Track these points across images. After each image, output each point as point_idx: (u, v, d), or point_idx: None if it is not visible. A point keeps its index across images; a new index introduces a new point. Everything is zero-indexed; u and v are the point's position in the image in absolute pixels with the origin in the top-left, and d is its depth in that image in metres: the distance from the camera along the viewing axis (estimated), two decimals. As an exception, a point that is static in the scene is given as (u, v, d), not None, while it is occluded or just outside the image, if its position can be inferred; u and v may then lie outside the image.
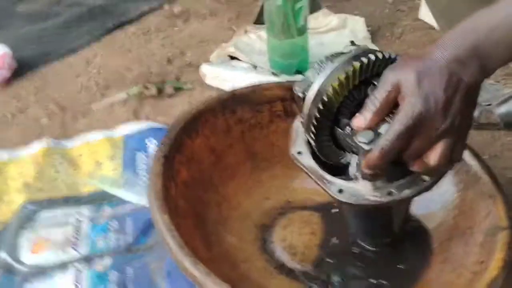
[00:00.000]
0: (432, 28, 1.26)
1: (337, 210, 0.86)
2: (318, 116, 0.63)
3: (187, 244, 0.71)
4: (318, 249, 0.84)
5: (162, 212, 0.73)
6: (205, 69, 1.22)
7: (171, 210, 0.75)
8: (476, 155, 0.81)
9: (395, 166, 0.62)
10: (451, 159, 0.60)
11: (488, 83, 0.99)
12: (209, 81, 1.21)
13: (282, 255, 0.83)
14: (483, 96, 0.92)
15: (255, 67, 1.21)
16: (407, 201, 0.70)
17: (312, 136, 0.65)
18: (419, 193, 0.63)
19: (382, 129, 0.59)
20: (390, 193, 0.62)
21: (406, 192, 0.62)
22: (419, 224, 0.82)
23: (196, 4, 1.46)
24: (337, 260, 0.82)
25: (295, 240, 0.85)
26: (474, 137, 0.96)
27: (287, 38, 1.13)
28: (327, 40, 1.25)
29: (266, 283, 0.79)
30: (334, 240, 0.84)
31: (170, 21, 1.41)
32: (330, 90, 0.61)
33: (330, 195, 0.65)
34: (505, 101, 0.96)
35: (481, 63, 0.58)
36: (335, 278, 0.80)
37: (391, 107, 0.59)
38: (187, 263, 0.69)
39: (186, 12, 1.43)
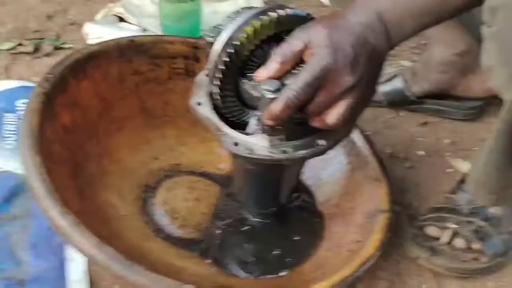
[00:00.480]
0: (324, 6, 1.27)
1: (228, 178, 0.83)
2: (226, 63, 0.60)
3: (57, 192, 0.63)
4: (202, 216, 0.80)
5: (33, 152, 0.65)
6: (88, 28, 1.12)
7: (44, 153, 0.67)
8: (368, 140, 0.82)
9: (294, 125, 0.61)
10: (349, 122, 0.60)
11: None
12: (91, 41, 1.09)
13: (162, 218, 0.78)
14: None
15: (144, 30, 1.14)
16: (300, 164, 0.69)
17: (216, 85, 0.61)
18: (313, 155, 0.63)
19: (288, 81, 0.58)
20: (285, 152, 0.61)
21: (301, 152, 0.61)
22: (308, 198, 0.81)
23: None
24: (220, 229, 0.79)
25: (179, 204, 0.81)
26: (358, 114, 0.98)
27: (180, 2, 1.09)
28: (222, 9, 1.20)
29: (141, 244, 0.74)
30: (221, 208, 0.81)
31: None
32: (240, 38, 0.59)
33: (225, 148, 0.63)
34: (388, 80, 0.99)
35: (387, 30, 0.59)
36: (215, 247, 0.76)
37: (297, 60, 0.58)
38: (54, 211, 0.62)
39: None
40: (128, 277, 0.59)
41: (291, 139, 0.62)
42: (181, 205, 0.81)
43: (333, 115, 0.58)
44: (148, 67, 0.86)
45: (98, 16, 1.17)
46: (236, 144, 0.62)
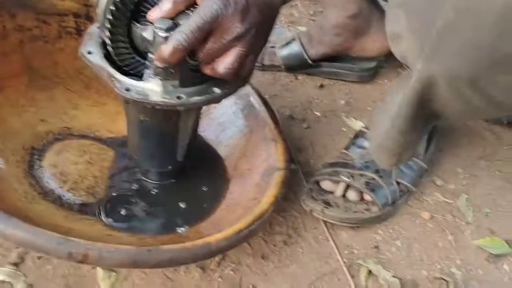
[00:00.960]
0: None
1: (123, 143, 0.79)
2: (116, 3, 0.57)
3: None
4: (94, 179, 0.76)
5: None
6: None
7: None
8: (264, 101, 0.82)
9: (189, 71, 0.59)
10: (239, 72, 0.59)
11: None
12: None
13: (50, 181, 0.74)
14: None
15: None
16: (195, 113, 0.68)
17: (107, 29, 0.59)
18: (208, 101, 0.62)
19: (182, 22, 0.56)
20: (179, 97, 0.60)
21: (196, 99, 0.60)
22: (212, 155, 0.80)
23: None
24: (112, 191, 0.75)
25: (69, 168, 0.76)
26: (258, 77, 1.00)
27: None
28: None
29: (24, 207, 0.68)
30: (114, 171, 0.78)
31: None
32: None
33: (116, 93, 0.60)
34: (287, 44, 1.01)
35: None
36: (107, 208, 0.73)
37: (191, 1, 0.57)
38: None
39: None
40: (5, 231, 0.55)
41: (185, 86, 0.61)
42: (71, 168, 0.76)
43: (223, 63, 0.58)
44: (35, 23, 0.80)
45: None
46: (128, 89, 0.60)
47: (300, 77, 1.02)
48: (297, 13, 1.16)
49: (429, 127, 0.77)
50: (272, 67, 1.01)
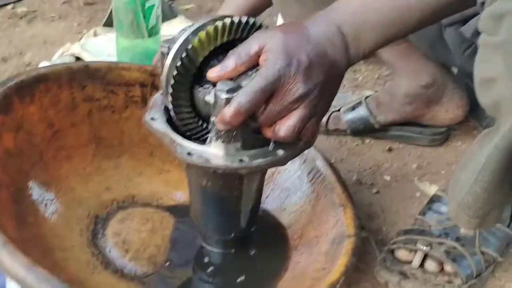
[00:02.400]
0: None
1: (185, 209, 0.78)
2: (178, 68, 0.57)
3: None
4: (156, 248, 0.74)
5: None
6: (43, 65, 1.09)
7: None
8: (330, 165, 0.79)
9: (251, 134, 0.58)
10: (301, 135, 0.57)
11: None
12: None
13: (113, 251, 0.72)
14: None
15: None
16: (259, 177, 0.66)
17: (170, 94, 0.59)
18: (271, 164, 0.59)
19: (244, 83, 0.55)
20: (241, 160, 0.58)
21: (258, 161, 0.58)
22: (273, 224, 0.77)
23: (44, 6, 1.37)
24: (176, 262, 0.73)
25: (131, 236, 0.75)
26: (323, 141, 0.97)
27: (137, 38, 1.05)
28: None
29: (86, 277, 0.67)
30: (178, 241, 0.76)
31: (12, 21, 1.30)
32: (193, 42, 0.57)
33: (178, 157, 0.59)
34: (352, 108, 0.98)
35: (346, 44, 0.57)
36: (170, 281, 0.70)
37: (253, 62, 0.56)
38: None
39: (31, 14, 1.34)
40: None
41: (248, 148, 0.59)
42: (134, 237, 0.75)
43: (285, 126, 0.56)
44: (103, 94, 0.82)
45: (55, 57, 1.15)
46: (189, 154, 0.58)
47: (367, 140, 0.99)
48: (361, 77, 1.14)
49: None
50: (337, 131, 0.99)
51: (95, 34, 1.20)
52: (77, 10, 1.38)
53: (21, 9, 1.35)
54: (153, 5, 1.03)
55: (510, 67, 0.52)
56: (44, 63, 1.10)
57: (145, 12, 1.02)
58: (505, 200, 0.69)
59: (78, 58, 1.13)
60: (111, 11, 1.18)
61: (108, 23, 1.20)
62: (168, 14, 1.26)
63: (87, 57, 1.12)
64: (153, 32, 1.05)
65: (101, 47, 1.16)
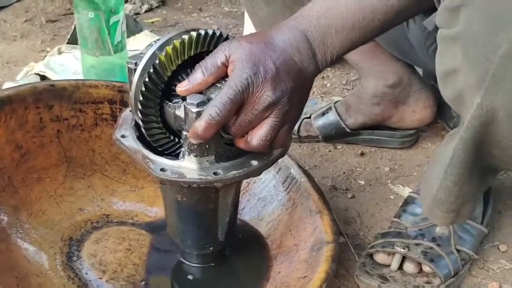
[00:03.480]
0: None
1: (161, 226, 0.76)
2: (146, 83, 0.57)
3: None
4: (134, 267, 0.73)
5: None
6: (7, 86, 1.05)
7: None
8: (305, 172, 0.79)
9: (225, 146, 0.58)
10: (274, 144, 0.57)
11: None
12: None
13: (89, 272, 0.71)
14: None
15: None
16: (234, 189, 0.65)
17: (139, 110, 0.58)
18: (246, 175, 0.59)
19: (213, 95, 0.55)
20: (216, 173, 0.57)
21: (233, 173, 0.58)
22: (251, 234, 0.76)
23: (5, 25, 1.35)
24: (154, 280, 0.71)
25: (108, 256, 0.73)
26: (296, 149, 0.97)
27: (103, 55, 1.03)
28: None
29: (63, 302, 0.65)
30: (156, 258, 0.74)
31: None
32: (160, 57, 0.57)
33: (151, 174, 0.58)
34: (322, 113, 0.99)
35: (312, 50, 0.58)
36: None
37: (220, 73, 0.55)
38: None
39: None
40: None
41: (222, 160, 0.59)
42: (110, 257, 0.73)
43: (257, 136, 0.56)
44: (71, 113, 0.81)
45: (19, 76, 1.12)
46: (163, 170, 0.58)
47: (339, 146, 1.00)
48: (330, 84, 1.15)
49: (485, 184, 0.70)
50: (309, 138, 0.99)
51: (60, 52, 1.18)
52: (40, 28, 1.36)
53: (-20, 30, 1.33)
54: (118, 21, 1.02)
55: (469, 57, 0.53)
56: (8, 84, 1.07)
57: (110, 28, 1.01)
58: (477, 191, 0.69)
59: (43, 77, 1.11)
60: (74, 28, 1.16)
61: (72, 40, 1.19)
62: (133, 28, 1.25)
63: (53, 76, 1.10)
64: (119, 48, 1.04)
65: (66, 65, 1.14)
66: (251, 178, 0.78)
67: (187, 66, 0.59)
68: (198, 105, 0.55)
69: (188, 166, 0.57)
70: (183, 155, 0.58)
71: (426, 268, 0.72)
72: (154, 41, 0.60)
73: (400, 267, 0.73)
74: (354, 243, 0.80)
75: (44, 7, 1.45)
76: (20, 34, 1.32)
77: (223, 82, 0.56)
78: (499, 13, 0.50)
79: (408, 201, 0.80)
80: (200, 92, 0.56)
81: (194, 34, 0.58)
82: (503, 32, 0.49)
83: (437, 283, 0.71)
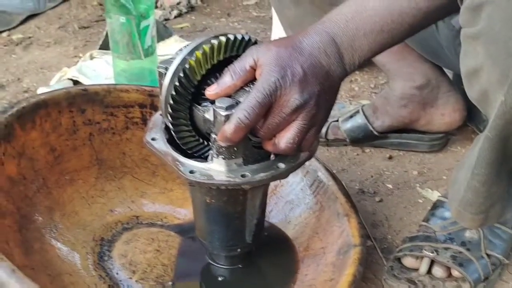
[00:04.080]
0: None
1: (190, 227, 0.78)
2: (176, 87, 0.58)
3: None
4: (163, 267, 0.74)
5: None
6: (41, 91, 1.09)
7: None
8: (332, 175, 0.79)
9: (252, 149, 0.58)
10: (301, 147, 0.57)
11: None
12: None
13: (120, 272, 0.72)
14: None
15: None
16: (262, 191, 0.66)
17: (169, 114, 0.59)
18: (273, 178, 0.60)
19: (242, 99, 0.56)
20: (243, 176, 0.58)
21: (261, 175, 0.58)
22: (279, 237, 0.77)
23: (39, 32, 1.39)
24: (183, 281, 0.73)
25: (138, 257, 0.75)
26: (323, 153, 0.97)
27: (134, 59, 1.06)
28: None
29: (94, 301, 0.67)
30: (184, 259, 0.75)
31: (8, 48, 1.31)
32: (190, 62, 0.58)
33: (180, 176, 0.59)
34: (350, 117, 0.99)
35: (340, 53, 0.58)
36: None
37: (249, 77, 0.56)
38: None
39: (27, 40, 1.35)
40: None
41: (250, 163, 0.59)
42: (140, 258, 0.75)
43: (284, 138, 0.56)
44: (103, 117, 0.83)
45: (53, 81, 1.16)
46: (192, 172, 0.59)
47: (367, 150, 0.99)
48: (358, 87, 1.15)
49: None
50: (337, 141, 0.99)
51: (92, 57, 1.21)
52: (73, 34, 1.39)
53: (16, 36, 1.37)
54: (148, 26, 1.04)
55: (490, 55, 0.52)
56: (42, 89, 1.11)
57: (140, 33, 1.03)
58: (506, 193, 0.67)
59: (76, 82, 1.14)
60: (106, 34, 1.19)
61: (104, 46, 1.22)
62: (163, 33, 1.27)
63: (85, 81, 1.13)
64: (149, 52, 1.06)
65: (98, 70, 1.17)
66: (279, 180, 0.78)
67: (216, 70, 0.60)
68: (227, 108, 0.55)
69: (216, 168, 0.58)
70: (212, 158, 0.59)
71: (455, 273, 0.71)
72: (184, 46, 0.61)
73: (429, 271, 0.72)
74: (381, 247, 0.80)
75: (76, 14, 1.49)
76: (53, 41, 1.36)
77: (251, 86, 0.57)
78: None
79: (437, 205, 0.79)
80: (229, 96, 0.57)
81: (223, 39, 0.59)
82: None
83: (467, 288, 0.70)
